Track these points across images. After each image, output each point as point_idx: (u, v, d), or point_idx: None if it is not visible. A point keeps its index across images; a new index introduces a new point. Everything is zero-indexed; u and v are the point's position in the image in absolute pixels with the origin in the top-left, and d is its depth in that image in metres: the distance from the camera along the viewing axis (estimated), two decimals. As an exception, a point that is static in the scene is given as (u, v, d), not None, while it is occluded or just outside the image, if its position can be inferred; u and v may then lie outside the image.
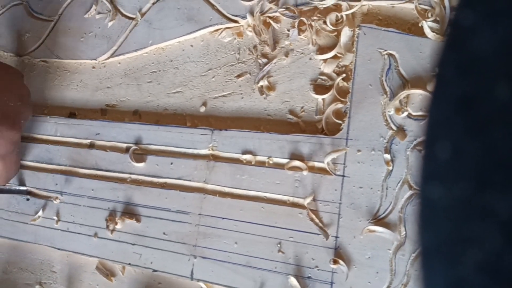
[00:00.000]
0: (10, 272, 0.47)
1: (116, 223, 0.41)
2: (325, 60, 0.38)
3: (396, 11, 0.36)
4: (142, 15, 0.44)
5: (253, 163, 0.38)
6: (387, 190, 0.34)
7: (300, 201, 0.36)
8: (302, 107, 0.38)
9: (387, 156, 0.34)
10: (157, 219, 0.40)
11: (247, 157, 0.38)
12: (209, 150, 0.40)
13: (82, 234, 0.43)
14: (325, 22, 0.38)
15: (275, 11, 0.39)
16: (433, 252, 0.15)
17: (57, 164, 0.45)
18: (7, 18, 0.51)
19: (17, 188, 0.46)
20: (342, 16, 0.37)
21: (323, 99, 0.37)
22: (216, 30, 0.42)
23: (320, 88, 0.38)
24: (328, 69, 0.38)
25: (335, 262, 0.34)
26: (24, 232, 0.45)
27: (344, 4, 0.37)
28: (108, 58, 0.46)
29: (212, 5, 0.42)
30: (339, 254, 0.35)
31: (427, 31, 0.34)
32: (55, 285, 0.45)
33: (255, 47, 0.40)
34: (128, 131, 0.43)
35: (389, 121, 0.35)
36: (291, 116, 0.38)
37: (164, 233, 0.40)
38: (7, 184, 0.45)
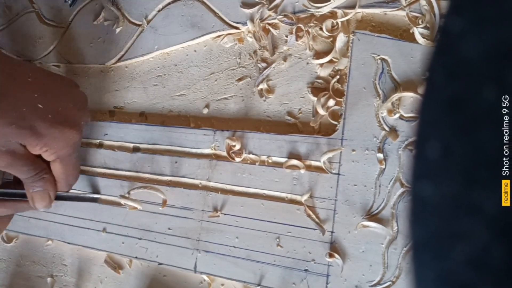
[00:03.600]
0: (23, 265, 0.47)
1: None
2: (321, 65, 0.38)
3: (388, 18, 0.36)
4: (148, 21, 0.44)
5: (257, 163, 0.38)
6: (380, 187, 0.34)
7: (298, 198, 0.36)
8: (299, 109, 0.38)
9: (380, 156, 0.34)
10: (162, 215, 0.40)
11: (251, 156, 0.38)
12: (212, 149, 0.40)
13: (91, 229, 0.43)
14: (321, 29, 0.38)
15: (274, 18, 0.39)
16: (424, 246, 0.15)
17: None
18: (20, 24, 0.51)
19: (89, 195, 0.43)
20: (337, 23, 0.37)
21: (319, 101, 0.37)
22: (218, 36, 0.42)
23: (316, 90, 0.38)
24: (324, 73, 0.38)
25: (330, 255, 0.34)
26: (37, 227, 0.45)
27: (339, 12, 0.37)
28: (116, 62, 0.46)
29: (215, 13, 0.42)
30: (334, 248, 0.35)
31: (418, 37, 0.34)
32: (65, 277, 0.45)
33: (255, 52, 0.40)
34: (135, 131, 0.43)
35: (382, 122, 0.35)
36: (289, 118, 0.38)
37: (169, 228, 0.40)
38: (77, 192, 0.43)
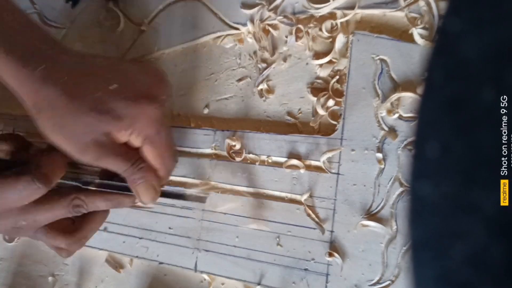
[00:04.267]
0: (25, 265, 0.47)
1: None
2: (321, 65, 0.38)
3: (387, 19, 0.36)
4: (149, 22, 0.44)
5: (257, 163, 0.38)
6: (379, 187, 0.34)
7: (298, 197, 0.36)
8: (299, 109, 0.38)
9: (379, 155, 0.34)
10: (163, 215, 0.40)
11: (251, 156, 0.38)
12: (212, 149, 0.40)
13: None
14: (321, 29, 0.38)
15: (274, 19, 0.39)
16: (423, 245, 0.15)
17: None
18: (22, 25, 0.51)
19: (196, 194, 0.38)
20: (337, 24, 0.37)
21: (318, 101, 0.37)
22: (219, 37, 0.42)
23: (316, 91, 0.38)
24: (324, 73, 0.37)
25: (330, 255, 0.34)
26: (38, 226, 0.45)
27: (338, 12, 0.37)
28: (117, 63, 0.46)
29: (215, 14, 0.42)
30: (334, 248, 0.35)
31: (417, 37, 0.34)
32: (67, 276, 0.45)
33: (255, 52, 0.40)
34: (135, 131, 0.43)
35: (381, 122, 0.35)
36: (289, 118, 0.38)
37: (169, 228, 0.40)
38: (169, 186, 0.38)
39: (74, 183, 0.37)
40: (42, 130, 0.33)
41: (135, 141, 0.35)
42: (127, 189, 0.36)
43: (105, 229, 0.42)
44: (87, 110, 0.32)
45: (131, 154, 0.35)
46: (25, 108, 0.33)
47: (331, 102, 0.37)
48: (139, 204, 0.38)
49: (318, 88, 0.38)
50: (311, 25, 0.38)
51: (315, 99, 0.37)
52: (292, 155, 0.37)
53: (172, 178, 0.41)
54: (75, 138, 0.33)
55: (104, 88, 0.33)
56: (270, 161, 0.38)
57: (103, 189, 0.37)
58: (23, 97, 0.32)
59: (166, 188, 0.38)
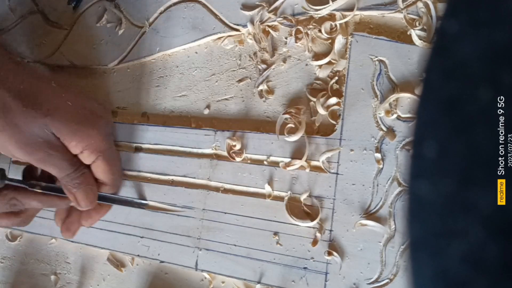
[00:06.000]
0: (27, 263, 0.47)
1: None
2: (320, 66, 0.38)
3: (386, 20, 0.36)
4: (150, 24, 0.44)
5: (257, 163, 0.38)
6: (378, 186, 0.34)
7: (297, 197, 0.36)
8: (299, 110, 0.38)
9: (378, 155, 0.34)
10: (163, 214, 0.40)
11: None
12: (213, 149, 0.40)
13: (94, 227, 0.43)
14: (320, 31, 0.38)
15: (274, 20, 0.39)
16: (421, 244, 0.15)
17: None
18: (25, 26, 0.51)
19: (137, 201, 0.41)
20: (336, 25, 0.37)
21: (318, 101, 0.37)
22: (219, 38, 0.42)
23: (315, 91, 0.38)
24: (323, 74, 0.37)
25: (329, 253, 0.34)
26: (41, 225, 0.45)
27: (337, 14, 0.37)
28: (118, 64, 0.46)
29: (215, 15, 0.42)
30: (333, 246, 0.35)
31: (415, 39, 0.34)
32: (69, 275, 0.45)
33: (255, 53, 0.40)
34: (137, 132, 0.43)
35: (380, 122, 0.35)
36: (288, 118, 0.38)
37: (170, 227, 0.40)
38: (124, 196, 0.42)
39: (21, 185, 0.40)
40: None
41: (87, 158, 0.38)
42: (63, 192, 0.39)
43: (106, 229, 0.42)
44: (42, 114, 0.35)
45: (76, 159, 0.38)
46: None
47: (330, 102, 0.37)
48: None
49: (317, 89, 0.38)
50: (311, 26, 0.38)
51: (314, 99, 0.37)
52: (292, 155, 0.37)
53: (173, 178, 0.41)
54: (26, 137, 0.35)
55: (60, 102, 0.37)
56: (270, 161, 0.38)
57: (47, 192, 0.40)
58: None
59: (104, 194, 0.41)
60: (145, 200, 0.41)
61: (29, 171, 0.43)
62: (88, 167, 0.39)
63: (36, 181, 0.41)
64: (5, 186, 0.40)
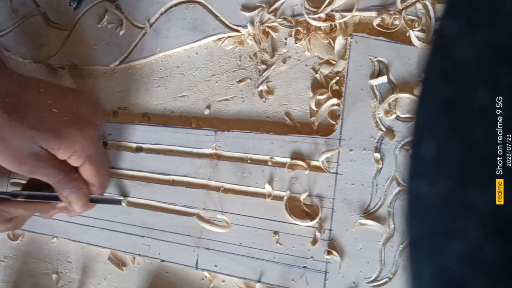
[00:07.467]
0: (29, 262, 0.47)
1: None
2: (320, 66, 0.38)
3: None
4: (151, 24, 0.44)
5: (257, 163, 0.38)
6: (377, 186, 0.34)
7: (297, 196, 0.36)
8: (298, 110, 0.38)
9: (377, 155, 0.34)
10: (164, 213, 0.40)
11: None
12: (213, 149, 0.40)
13: (95, 227, 0.43)
14: (320, 31, 0.37)
15: (274, 21, 0.39)
16: (420, 243, 0.15)
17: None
18: (26, 27, 0.51)
19: (112, 198, 0.42)
20: (335, 26, 0.37)
21: (317, 102, 0.37)
22: (219, 39, 0.42)
23: (315, 92, 0.38)
24: (323, 74, 0.37)
25: (329, 253, 0.34)
26: (42, 225, 0.45)
27: (337, 15, 0.37)
28: (119, 64, 0.46)
29: (216, 16, 0.42)
30: (332, 246, 0.35)
31: (414, 39, 0.34)
32: (70, 274, 0.45)
33: (255, 54, 0.40)
34: (138, 132, 0.43)
35: (379, 122, 0.35)
36: (287, 118, 0.38)
37: (171, 226, 0.40)
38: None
39: (3, 196, 0.40)
40: None
41: (75, 162, 0.38)
42: (54, 198, 0.40)
43: (108, 228, 0.42)
44: (28, 128, 0.35)
45: (65, 165, 0.38)
46: None
47: (330, 102, 0.37)
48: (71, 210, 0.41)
49: (317, 89, 0.38)
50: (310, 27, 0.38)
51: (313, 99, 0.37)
52: (291, 155, 0.37)
53: (173, 177, 0.41)
54: (13, 150, 0.35)
55: (46, 110, 0.37)
56: (269, 161, 0.38)
57: (30, 200, 0.40)
58: None
59: (92, 196, 0.41)
60: (123, 196, 0.42)
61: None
62: (77, 169, 0.40)
63: (24, 189, 0.42)
64: None
